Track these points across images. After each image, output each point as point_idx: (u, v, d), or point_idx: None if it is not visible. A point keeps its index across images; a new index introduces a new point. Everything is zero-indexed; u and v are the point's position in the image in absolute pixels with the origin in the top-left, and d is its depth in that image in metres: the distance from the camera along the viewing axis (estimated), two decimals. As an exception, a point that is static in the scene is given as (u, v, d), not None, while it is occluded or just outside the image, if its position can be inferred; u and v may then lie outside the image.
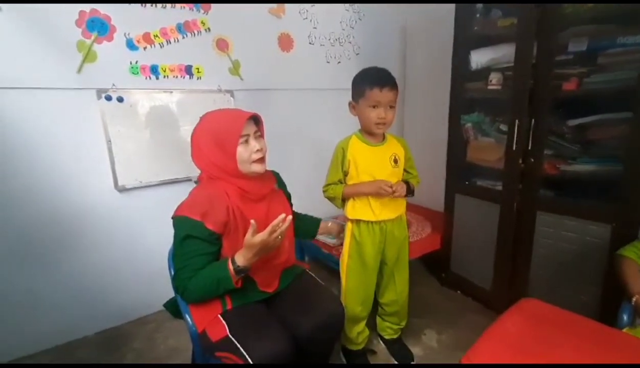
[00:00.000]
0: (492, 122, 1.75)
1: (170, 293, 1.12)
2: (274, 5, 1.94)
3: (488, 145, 1.73)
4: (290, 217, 0.94)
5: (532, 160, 1.49)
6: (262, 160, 1.06)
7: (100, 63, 1.54)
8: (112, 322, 1.76)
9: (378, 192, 1.23)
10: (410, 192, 1.32)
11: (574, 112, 1.43)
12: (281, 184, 1.25)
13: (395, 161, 1.30)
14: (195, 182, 1.10)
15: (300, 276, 1.22)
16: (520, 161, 1.52)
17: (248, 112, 1.03)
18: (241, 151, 1.00)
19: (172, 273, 1.07)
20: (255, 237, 0.91)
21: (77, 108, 1.53)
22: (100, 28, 1.53)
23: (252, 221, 0.91)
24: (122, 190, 1.66)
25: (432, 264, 2.20)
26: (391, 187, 1.21)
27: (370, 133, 1.29)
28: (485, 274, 1.76)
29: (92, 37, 1.51)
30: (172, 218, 0.99)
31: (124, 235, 1.71)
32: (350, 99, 1.29)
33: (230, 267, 0.94)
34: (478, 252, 1.79)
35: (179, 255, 0.97)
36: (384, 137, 1.32)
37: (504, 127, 1.65)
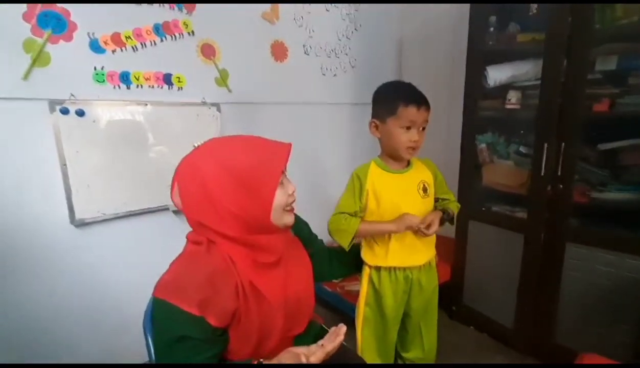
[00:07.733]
0: (508, 143, 1.63)
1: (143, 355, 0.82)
2: (267, 8, 1.72)
3: (507, 168, 1.59)
4: (344, 328, 0.68)
5: (561, 186, 1.36)
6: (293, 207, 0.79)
7: (54, 68, 1.23)
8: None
9: (407, 226, 1.00)
10: (449, 220, 1.11)
11: (604, 135, 1.33)
12: (297, 226, 0.90)
13: (425, 190, 1.10)
14: (174, 212, 0.81)
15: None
16: (549, 188, 1.38)
17: (283, 142, 0.74)
18: (279, 196, 0.72)
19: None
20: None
21: (22, 123, 1.20)
22: (55, 24, 1.22)
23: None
24: (80, 224, 1.33)
25: (439, 295, 2.03)
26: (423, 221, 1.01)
27: (395, 158, 1.08)
28: (506, 310, 1.59)
29: (45, 35, 1.20)
30: (154, 299, 0.67)
31: (83, 281, 1.36)
32: (365, 115, 1.10)
33: None
34: (497, 284, 1.63)
35: (167, 363, 0.68)
36: (408, 162, 1.12)
37: (524, 150, 1.53)
